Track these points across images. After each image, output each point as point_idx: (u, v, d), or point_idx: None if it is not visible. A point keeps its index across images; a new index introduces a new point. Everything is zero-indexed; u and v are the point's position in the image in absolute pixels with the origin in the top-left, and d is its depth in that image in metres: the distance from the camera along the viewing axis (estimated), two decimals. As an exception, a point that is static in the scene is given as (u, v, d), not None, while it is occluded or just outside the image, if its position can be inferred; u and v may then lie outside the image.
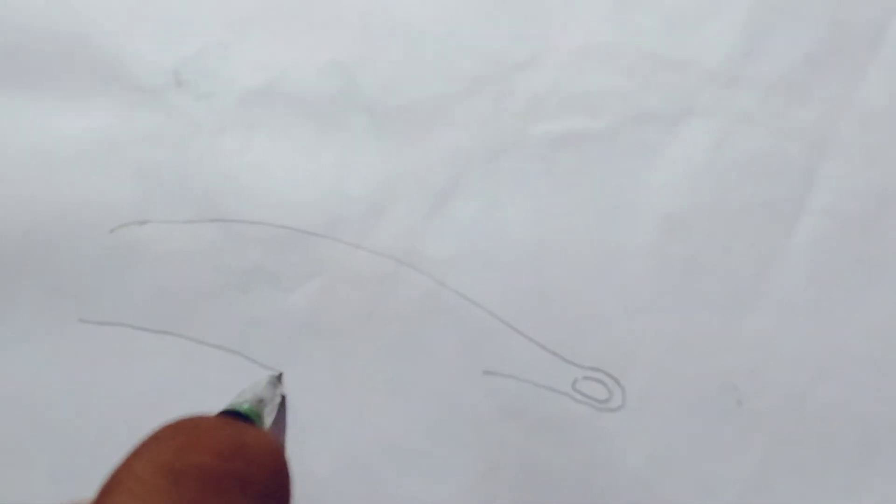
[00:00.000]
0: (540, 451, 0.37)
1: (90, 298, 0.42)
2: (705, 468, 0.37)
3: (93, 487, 0.37)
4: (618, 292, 0.40)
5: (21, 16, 0.44)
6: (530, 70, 0.42)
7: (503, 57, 0.42)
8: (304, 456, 0.38)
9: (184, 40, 0.44)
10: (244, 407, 0.35)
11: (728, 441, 0.37)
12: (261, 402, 0.36)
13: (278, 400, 0.38)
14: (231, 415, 0.34)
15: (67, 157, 0.44)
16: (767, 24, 0.41)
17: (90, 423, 0.39)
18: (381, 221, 0.41)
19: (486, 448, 0.38)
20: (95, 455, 0.39)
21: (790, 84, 0.41)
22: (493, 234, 0.41)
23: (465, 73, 0.42)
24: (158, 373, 0.40)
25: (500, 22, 0.42)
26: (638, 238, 0.40)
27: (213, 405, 0.39)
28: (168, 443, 0.27)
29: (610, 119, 0.41)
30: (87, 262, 0.42)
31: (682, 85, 0.41)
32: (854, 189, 0.40)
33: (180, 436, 0.27)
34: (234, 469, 0.26)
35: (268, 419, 0.36)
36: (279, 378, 0.39)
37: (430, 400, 0.39)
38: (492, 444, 0.38)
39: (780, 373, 0.38)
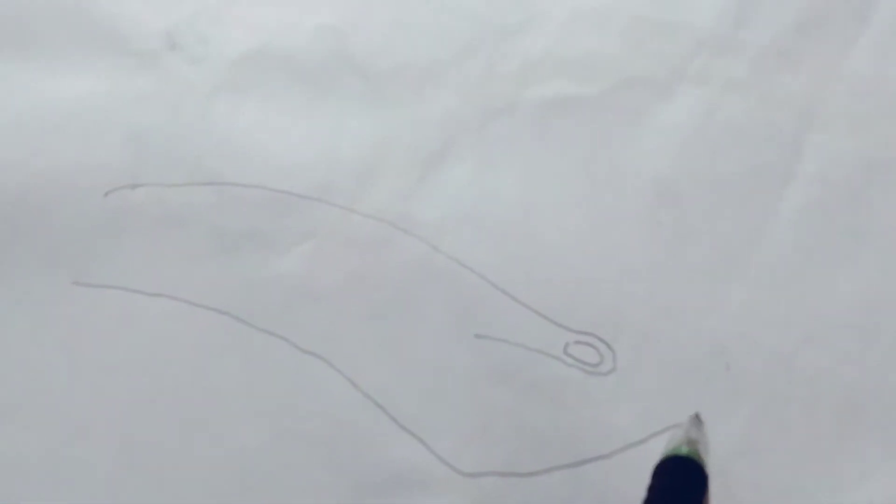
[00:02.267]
0: (531, 414, 0.37)
1: (84, 262, 0.41)
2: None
3: (86, 449, 0.36)
4: (609, 257, 0.39)
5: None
6: (523, 34, 0.41)
7: (496, 21, 0.41)
8: (295, 417, 0.38)
9: (177, 4, 0.43)
10: (683, 451, 0.33)
11: (715, 404, 0.37)
12: (695, 442, 0.34)
13: (707, 440, 0.35)
14: (672, 461, 0.32)
15: (61, 121, 0.43)
16: (759, -8, 0.41)
17: (85, 385, 0.39)
18: (374, 185, 0.40)
19: (477, 410, 0.37)
20: (90, 417, 0.38)
21: (780, 51, 0.40)
22: (485, 198, 0.40)
23: (457, 36, 0.41)
24: (152, 335, 0.39)
25: (493, -13, 0.41)
26: (629, 204, 0.40)
27: (207, 369, 0.38)
28: None
29: (602, 84, 0.40)
30: (81, 225, 0.41)
31: (674, 51, 0.40)
32: (841, 158, 0.39)
33: None
34: None
35: (707, 459, 0.34)
36: (699, 417, 0.36)
37: (422, 363, 0.38)
38: (483, 407, 0.37)
39: (767, 338, 0.37)
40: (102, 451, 0.37)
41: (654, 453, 0.35)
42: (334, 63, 0.42)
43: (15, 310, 0.40)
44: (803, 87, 0.40)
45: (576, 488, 0.35)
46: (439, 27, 0.41)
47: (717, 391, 0.37)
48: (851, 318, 0.37)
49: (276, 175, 0.41)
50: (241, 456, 0.37)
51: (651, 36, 0.40)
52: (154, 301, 0.40)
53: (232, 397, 0.37)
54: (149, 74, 0.43)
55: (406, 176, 0.41)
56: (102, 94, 0.43)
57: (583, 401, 0.37)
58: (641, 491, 0.33)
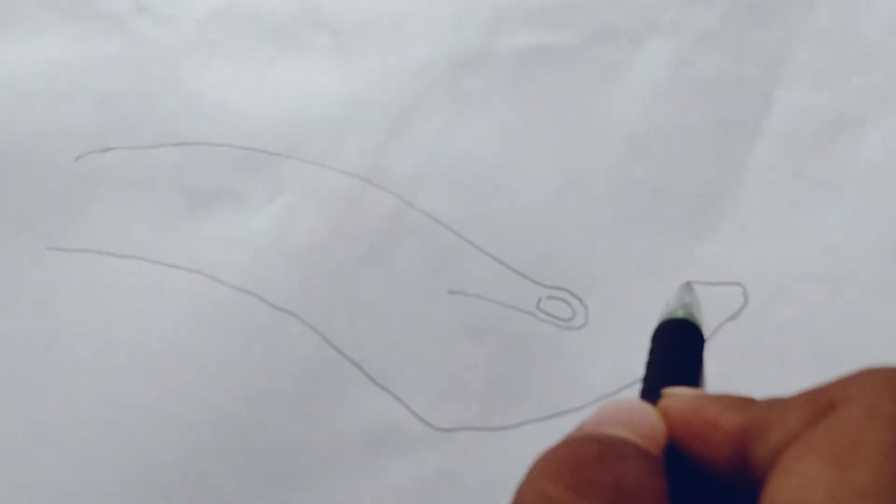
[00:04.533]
0: (504, 369, 0.36)
1: (56, 226, 0.39)
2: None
3: (61, 412, 0.35)
4: (581, 213, 0.38)
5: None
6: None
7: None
8: (269, 375, 0.37)
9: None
10: (679, 314, 0.31)
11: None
12: (689, 306, 0.32)
13: (700, 304, 0.33)
14: (670, 324, 0.30)
15: (29, 86, 0.41)
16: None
17: (59, 350, 0.37)
18: (345, 140, 0.39)
19: (450, 366, 0.36)
20: (64, 380, 0.37)
21: (751, 4, 0.39)
22: (458, 153, 0.39)
23: (426, -13, 0.40)
24: (126, 297, 0.38)
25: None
26: (601, 158, 0.39)
27: (180, 328, 0.37)
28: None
29: (574, 34, 0.39)
30: (52, 190, 0.40)
31: (647, 1, 0.39)
32: (809, 113, 0.39)
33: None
34: None
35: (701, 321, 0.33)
36: (690, 284, 0.34)
37: (396, 319, 0.37)
38: (456, 363, 0.36)
39: (738, 291, 0.37)
40: (78, 414, 0.36)
41: None
42: (302, 19, 0.40)
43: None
44: (772, 41, 0.39)
45: (548, 441, 0.35)
46: (407, -21, 0.40)
47: None
48: (820, 271, 0.37)
49: (247, 133, 0.39)
50: (216, 415, 0.35)
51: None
52: (126, 263, 0.38)
53: (206, 356, 0.36)
54: (116, 38, 0.42)
55: (377, 131, 0.39)
56: (71, 58, 0.41)
57: (555, 355, 0.36)
58: None
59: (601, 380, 0.36)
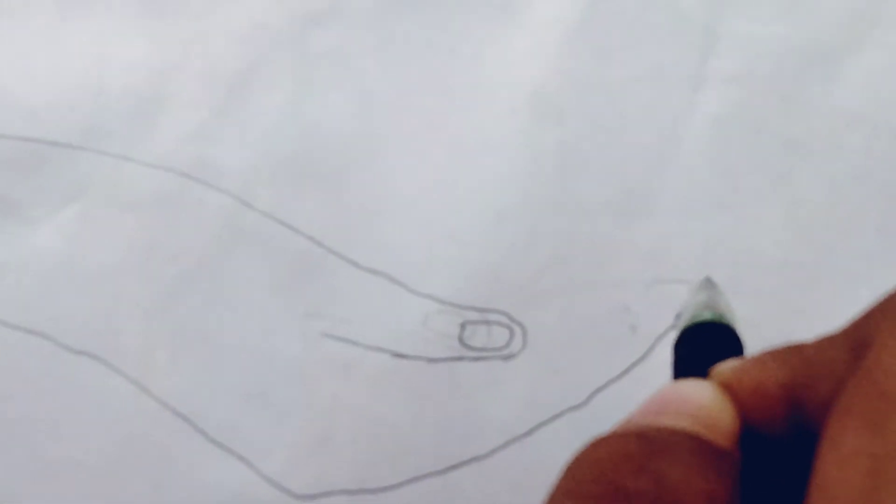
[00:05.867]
0: (382, 412, 0.28)
1: None
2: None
3: None
4: (476, 196, 0.31)
5: None
6: None
7: None
8: (70, 438, 0.29)
9: None
10: (706, 316, 0.27)
11: (624, 376, 0.29)
12: (716, 305, 0.28)
13: (729, 301, 0.29)
14: (695, 330, 0.26)
15: None
16: None
17: None
18: (157, 123, 0.31)
19: (312, 413, 0.28)
20: None
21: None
22: (309, 133, 0.31)
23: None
24: None
25: None
26: (499, 125, 0.31)
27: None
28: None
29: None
30: None
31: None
32: (765, 48, 0.33)
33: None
34: None
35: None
36: (711, 280, 0.30)
37: (235, 356, 0.29)
38: (320, 408, 0.29)
39: (680, 286, 0.30)
40: None
41: (542, 449, 0.28)
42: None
43: None
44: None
45: (446, 499, 0.28)
46: None
47: (624, 358, 0.30)
48: (782, 256, 0.31)
49: (21, 119, 0.31)
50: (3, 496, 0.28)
51: None
52: None
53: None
54: None
55: (200, 109, 0.31)
56: None
57: (450, 389, 0.29)
58: (530, 494, 0.27)
59: (511, 417, 0.29)
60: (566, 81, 0.32)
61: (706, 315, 0.28)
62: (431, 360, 0.29)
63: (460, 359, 0.29)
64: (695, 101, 0.32)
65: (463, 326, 0.29)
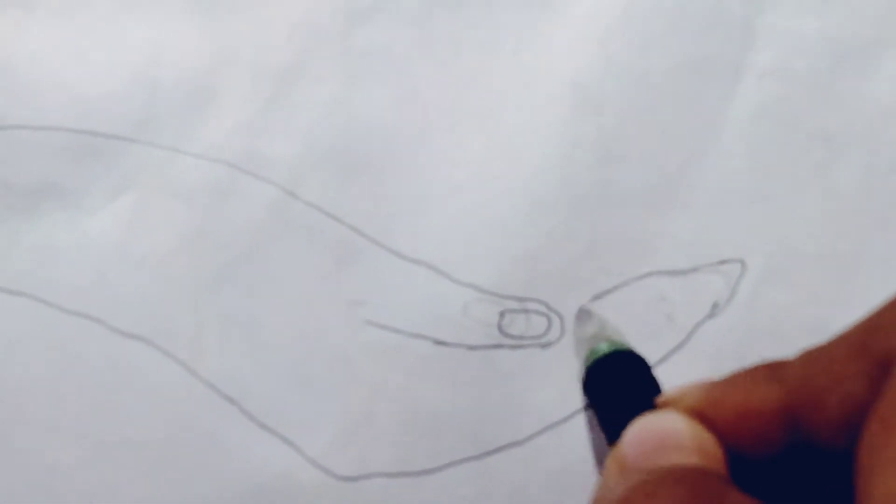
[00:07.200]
0: (423, 397, 0.29)
1: None
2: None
3: None
4: (516, 186, 0.31)
5: None
6: None
7: None
8: (119, 420, 0.30)
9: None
10: (603, 349, 0.28)
11: (660, 364, 0.29)
12: (605, 335, 0.28)
13: (615, 324, 0.30)
14: (598, 366, 0.27)
15: None
16: None
17: None
18: (207, 116, 0.31)
19: (355, 397, 0.29)
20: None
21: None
22: (355, 126, 0.31)
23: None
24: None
25: None
26: (540, 119, 0.32)
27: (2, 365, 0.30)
28: None
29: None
30: None
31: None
32: (803, 43, 0.33)
33: None
34: None
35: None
36: (586, 308, 0.30)
37: (281, 341, 0.30)
38: (363, 392, 0.29)
39: (718, 277, 0.30)
40: None
41: (579, 435, 0.29)
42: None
43: None
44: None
45: (483, 484, 0.28)
46: None
47: (661, 347, 0.30)
48: (816, 249, 0.31)
49: (77, 111, 0.31)
50: (53, 474, 0.28)
51: None
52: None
53: (37, 401, 0.29)
54: None
55: (249, 102, 0.31)
56: None
57: (489, 376, 0.29)
58: (566, 479, 0.28)
59: (548, 403, 0.29)
60: (606, 73, 0.32)
61: (603, 348, 0.28)
62: (471, 348, 0.30)
63: (499, 346, 0.30)
64: (733, 94, 0.32)
65: (502, 315, 0.30)
